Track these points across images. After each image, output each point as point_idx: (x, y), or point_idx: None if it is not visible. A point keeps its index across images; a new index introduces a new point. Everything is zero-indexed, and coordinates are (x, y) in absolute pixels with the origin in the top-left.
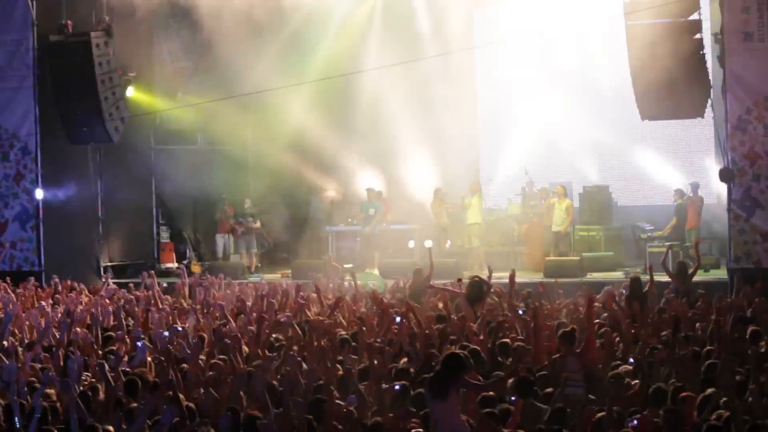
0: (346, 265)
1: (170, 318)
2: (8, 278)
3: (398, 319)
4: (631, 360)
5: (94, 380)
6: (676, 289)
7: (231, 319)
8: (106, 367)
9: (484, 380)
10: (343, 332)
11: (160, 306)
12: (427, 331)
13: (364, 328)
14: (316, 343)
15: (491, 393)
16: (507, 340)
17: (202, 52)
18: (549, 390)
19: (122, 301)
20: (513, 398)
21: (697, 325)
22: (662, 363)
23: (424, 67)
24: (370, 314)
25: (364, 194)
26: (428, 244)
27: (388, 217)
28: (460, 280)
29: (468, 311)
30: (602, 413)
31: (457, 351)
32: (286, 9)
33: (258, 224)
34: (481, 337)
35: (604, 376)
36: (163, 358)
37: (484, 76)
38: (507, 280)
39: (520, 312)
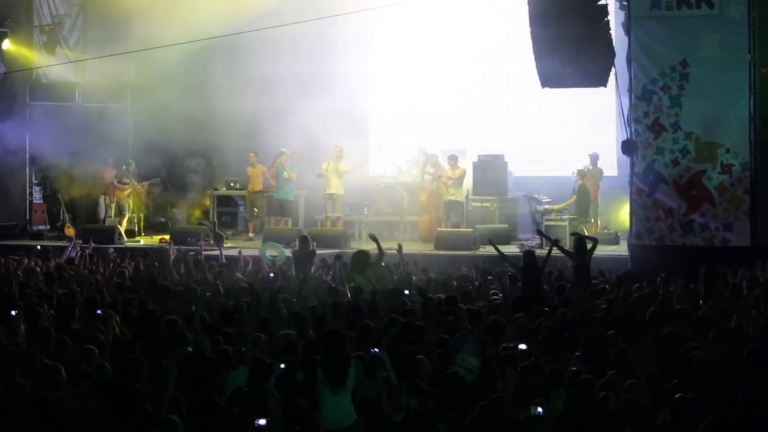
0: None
1: None
2: None
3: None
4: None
5: None
6: (575, 267)
7: None
8: None
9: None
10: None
11: None
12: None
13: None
14: None
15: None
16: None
17: (83, 5)
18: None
19: None
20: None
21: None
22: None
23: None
24: None
25: (241, 159)
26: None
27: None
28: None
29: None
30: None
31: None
32: None
33: (143, 186)
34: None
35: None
36: None
37: (378, 42)
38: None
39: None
